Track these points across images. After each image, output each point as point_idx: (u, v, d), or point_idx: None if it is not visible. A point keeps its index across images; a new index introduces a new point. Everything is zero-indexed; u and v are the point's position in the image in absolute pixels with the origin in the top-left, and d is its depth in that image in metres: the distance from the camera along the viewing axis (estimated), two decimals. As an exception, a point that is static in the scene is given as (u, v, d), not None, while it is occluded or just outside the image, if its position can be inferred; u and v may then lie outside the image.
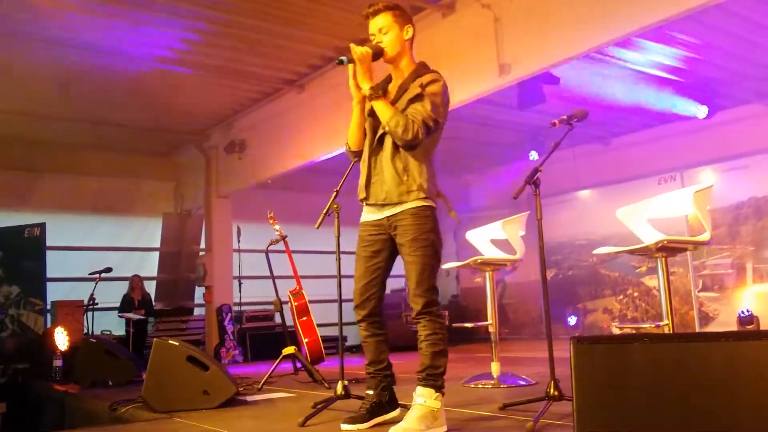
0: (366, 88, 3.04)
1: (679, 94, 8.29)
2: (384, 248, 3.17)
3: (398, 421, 2.95)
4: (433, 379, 3.00)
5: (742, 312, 7.79)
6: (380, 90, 3.08)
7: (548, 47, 5.67)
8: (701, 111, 8.17)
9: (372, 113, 3.15)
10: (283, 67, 7.80)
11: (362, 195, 3.21)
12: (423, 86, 3.05)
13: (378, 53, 3.10)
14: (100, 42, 6.78)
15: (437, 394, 2.98)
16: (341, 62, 3.06)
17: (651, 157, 9.65)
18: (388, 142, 3.10)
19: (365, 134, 3.26)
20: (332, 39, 7.05)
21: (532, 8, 5.75)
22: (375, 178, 3.15)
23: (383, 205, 3.12)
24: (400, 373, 3.54)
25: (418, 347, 3.06)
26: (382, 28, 3.12)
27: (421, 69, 3.17)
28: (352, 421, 3.15)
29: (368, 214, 3.23)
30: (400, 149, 3.06)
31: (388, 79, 3.28)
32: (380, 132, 3.11)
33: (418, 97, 3.03)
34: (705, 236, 3.71)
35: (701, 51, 7.21)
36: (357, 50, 3.03)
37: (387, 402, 3.26)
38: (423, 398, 2.96)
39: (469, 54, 6.12)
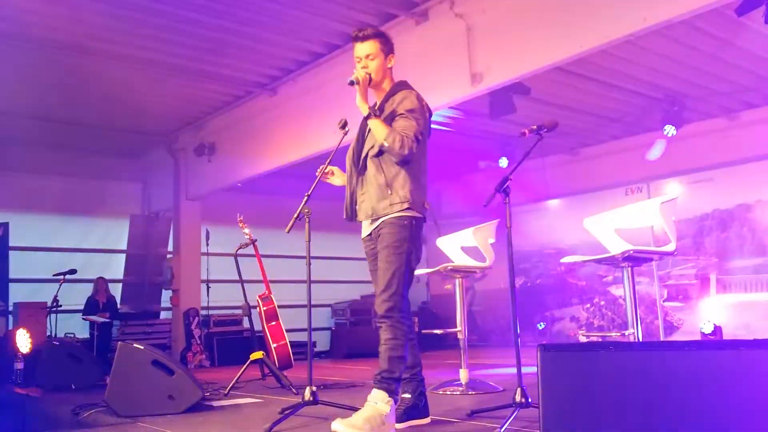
0: (364, 108, 3.26)
1: (649, 107, 8.45)
2: None
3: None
4: (387, 383, 3.09)
5: (704, 326, 7.92)
6: (377, 111, 3.30)
7: (520, 57, 5.74)
8: (671, 130, 8.33)
9: (359, 136, 3.44)
10: (254, 70, 7.76)
11: (345, 214, 3.48)
12: (396, 103, 3.30)
13: (370, 80, 3.36)
14: (64, 38, 6.66)
15: (389, 399, 3.06)
16: (352, 83, 3.32)
17: (619, 167, 9.80)
18: (371, 163, 3.33)
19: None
20: (304, 43, 7.05)
21: (504, 19, 5.81)
22: (363, 196, 3.37)
23: (373, 220, 3.33)
24: (368, 378, 3.53)
25: (378, 350, 3.17)
26: (370, 54, 3.36)
27: (396, 87, 3.41)
28: None
29: (364, 230, 3.46)
30: (383, 167, 3.28)
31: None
32: (364, 154, 3.37)
33: (396, 115, 3.26)
34: (670, 247, 3.79)
35: (668, 65, 7.35)
36: (360, 74, 3.31)
37: (422, 407, 3.40)
38: (375, 400, 3.05)
39: (442, 62, 6.16)
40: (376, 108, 3.36)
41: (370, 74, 3.34)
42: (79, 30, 6.51)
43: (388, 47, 3.40)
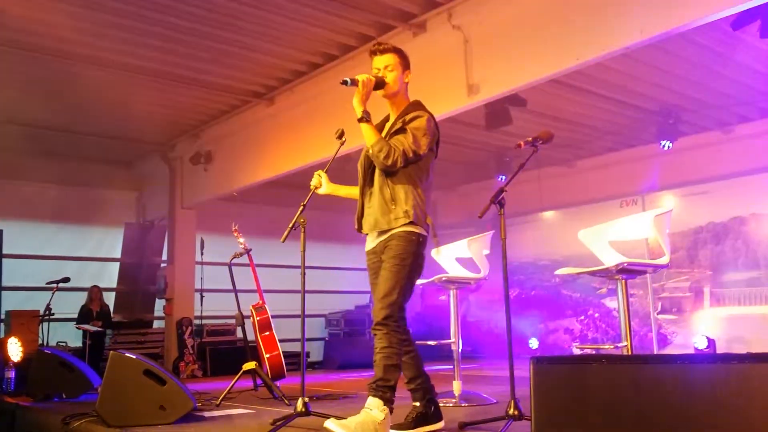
0: (359, 110, 3.27)
1: (644, 120, 8.48)
2: None
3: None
4: (382, 390, 3.11)
5: (697, 342, 7.92)
6: (369, 115, 3.30)
7: (516, 69, 5.76)
8: (666, 143, 8.38)
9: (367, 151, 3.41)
10: (252, 80, 7.77)
11: (356, 226, 3.50)
12: (405, 122, 3.32)
13: (380, 84, 3.36)
14: (61, 46, 6.66)
15: (384, 406, 3.09)
16: (345, 83, 3.28)
17: (614, 180, 9.83)
18: (377, 176, 3.36)
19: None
20: (302, 54, 7.06)
21: (501, 31, 5.84)
22: (368, 210, 3.40)
23: (379, 233, 3.36)
24: (362, 389, 3.51)
25: (373, 358, 3.19)
26: (389, 65, 3.40)
27: (410, 107, 3.44)
28: (399, 427, 3.31)
29: (368, 243, 3.48)
30: (388, 181, 3.31)
31: (387, 118, 3.54)
32: (368, 165, 3.41)
33: (400, 131, 3.30)
34: (664, 259, 3.78)
35: (664, 78, 7.39)
36: (363, 76, 3.28)
37: (432, 414, 3.43)
38: (370, 407, 3.07)
39: (439, 73, 6.18)
40: (396, 120, 3.39)
41: (380, 79, 3.34)
42: (75, 38, 6.51)
43: (405, 62, 3.46)
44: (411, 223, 3.25)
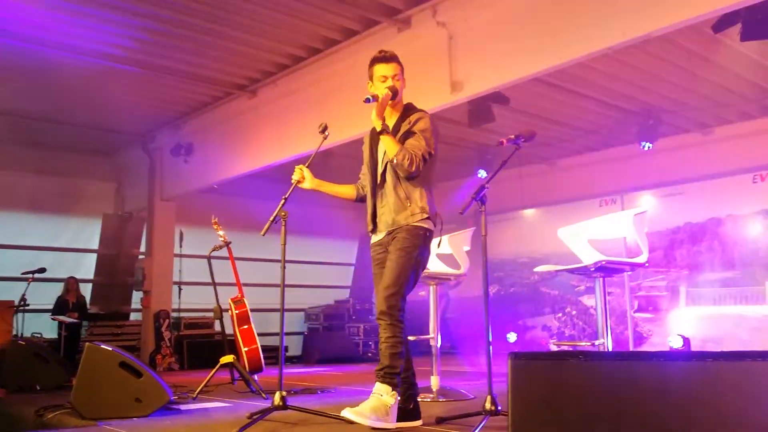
0: (378, 124, 3.39)
1: (625, 120, 8.55)
2: None
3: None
4: (390, 377, 3.25)
5: (672, 341, 8.02)
6: (388, 127, 3.44)
7: (500, 67, 5.78)
8: (647, 144, 8.45)
9: (372, 150, 3.61)
10: (234, 72, 7.71)
11: (370, 227, 3.61)
12: (411, 123, 3.47)
13: (395, 94, 3.47)
14: (40, 35, 6.56)
15: (393, 391, 3.23)
16: (368, 101, 3.36)
17: (593, 179, 9.91)
18: (389, 177, 3.48)
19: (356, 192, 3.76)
20: (286, 46, 7.03)
21: (485, 29, 5.85)
22: (382, 209, 3.52)
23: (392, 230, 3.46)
24: (340, 383, 3.51)
25: (379, 347, 3.33)
26: (396, 74, 3.52)
27: (409, 110, 3.59)
28: None
29: (375, 236, 3.60)
30: (401, 180, 3.44)
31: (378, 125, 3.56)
32: (381, 169, 3.52)
33: (410, 134, 3.44)
34: (642, 258, 3.83)
35: (645, 79, 7.45)
36: (382, 91, 3.41)
37: (411, 410, 3.49)
38: (380, 392, 3.21)
39: (423, 70, 6.16)
40: (396, 128, 3.51)
41: (394, 90, 3.44)
42: (53, 27, 6.42)
43: (402, 70, 3.58)
44: (426, 218, 3.40)
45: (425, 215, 3.41)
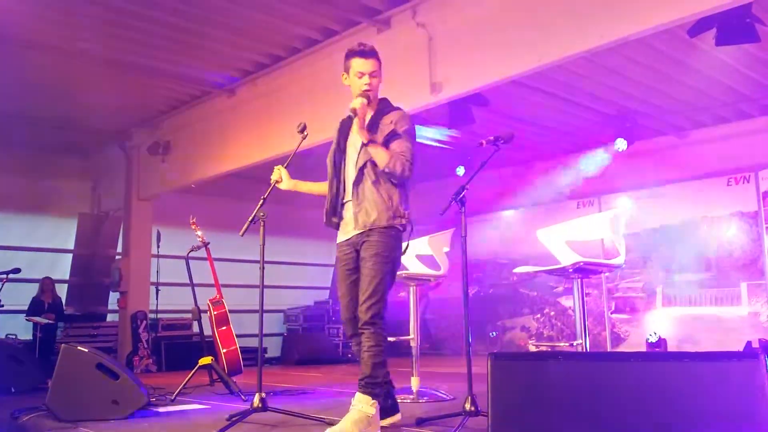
0: (364, 136, 3.31)
1: (602, 123, 8.63)
2: (359, 264, 3.40)
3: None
4: (371, 387, 3.22)
5: (650, 337, 8.14)
6: (375, 136, 3.36)
7: (479, 69, 5.80)
8: (622, 144, 8.51)
9: (340, 143, 3.53)
10: (213, 71, 7.66)
11: (335, 220, 3.50)
12: (394, 123, 3.39)
13: (370, 100, 3.40)
14: (11, 32, 6.46)
15: (373, 401, 3.20)
16: (351, 115, 3.34)
17: (571, 181, 9.97)
18: (370, 175, 3.37)
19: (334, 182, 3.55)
20: (264, 45, 7.00)
21: (465, 31, 5.87)
22: (359, 207, 3.38)
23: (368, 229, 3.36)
24: (320, 385, 3.50)
25: (360, 356, 3.28)
26: (374, 71, 3.42)
27: (387, 104, 3.53)
28: None
29: (342, 235, 3.49)
30: (383, 180, 3.36)
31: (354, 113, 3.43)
32: (360, 164, 3.38)
33: (394, 135, 3.36)
34: (619, 260, 3.87)
35: (623, 82, 7.53)
36: (357, 103, 3.31)
37: (390, 406, 3.50)
38: (360, 404, 3.18)
39: (402, 70, 6.18)
40: (374, 124, 3.44)
41: (369, 94, 3.38)
42: (27, 23, 6.32)
43: (380, 65, 3.48)
44: (399, 219, 3.35)
45: (402, 218, 3.36)
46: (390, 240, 3.33)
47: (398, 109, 3.51)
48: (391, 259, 3.33)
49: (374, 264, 3.28)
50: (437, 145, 9.39)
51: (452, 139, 9.20)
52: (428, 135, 8.91)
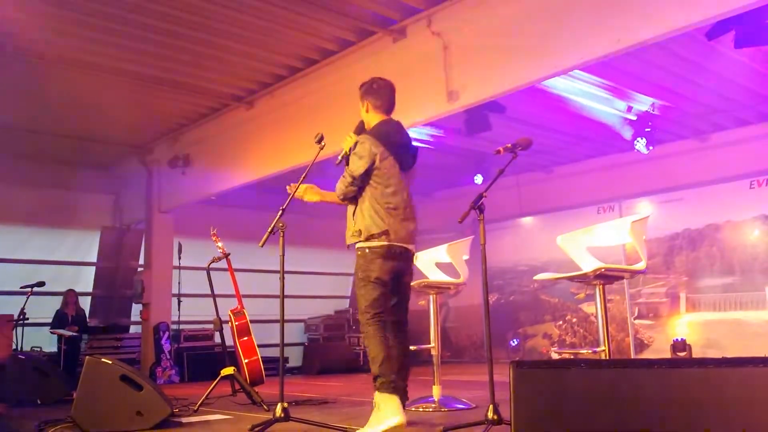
0: (317, 199, 3.87)
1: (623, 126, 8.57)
2: None
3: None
4: (379, 383, 3.40)
5: (677, 339, 8.03)
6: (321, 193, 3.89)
7: (495, 76, 5.80)
8: (642, 145, 8.43)
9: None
10: (232, 83, 7.73)
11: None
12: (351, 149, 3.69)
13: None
14: (37, 48, 6.59)
15: (385, 393, 3.37)
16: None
17: (591, 186, 9.92)
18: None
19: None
20: (282, 57, 7.05)
21: (480, 38, 5.87)
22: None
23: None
24: (342, 394, 3.52)
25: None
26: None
27: (361, 128, 3.83)
28: None
29: None
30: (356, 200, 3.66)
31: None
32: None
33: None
34: (641, 265, 3.83)
35: (642, 87, 7.48)
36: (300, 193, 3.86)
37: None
38: (376, 402, 3.39)
39: (419, 79, 6.20)
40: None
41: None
42: (52, 39, 6.44)
43: (362, 96, 3.82)
44: (364, 239, 3.55)
45: (362, 238, 3.56)
46: (359, 260, 3.61)
47: (365, 134, 3.72)
48: (360, 276, 3.60)
49: (356, 281, 3.69)
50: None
51: (469, 147, 9.18)
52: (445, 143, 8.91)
